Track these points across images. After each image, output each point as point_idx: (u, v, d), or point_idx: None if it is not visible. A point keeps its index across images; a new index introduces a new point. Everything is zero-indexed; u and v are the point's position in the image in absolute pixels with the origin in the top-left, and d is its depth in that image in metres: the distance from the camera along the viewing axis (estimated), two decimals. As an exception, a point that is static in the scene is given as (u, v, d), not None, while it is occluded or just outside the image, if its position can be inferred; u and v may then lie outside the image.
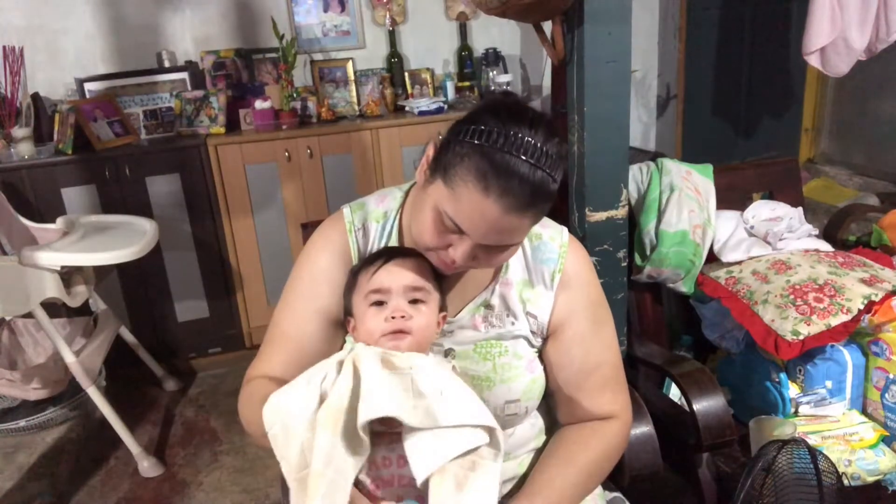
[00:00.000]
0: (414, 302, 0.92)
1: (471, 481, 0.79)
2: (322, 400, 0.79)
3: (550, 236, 1.05)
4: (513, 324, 1.02)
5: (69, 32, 2.79)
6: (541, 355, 1.06)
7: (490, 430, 0.81)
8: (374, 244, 1.03)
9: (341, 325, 1.02)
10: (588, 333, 1.04)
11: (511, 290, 1.02)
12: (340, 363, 0.82)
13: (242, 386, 1.01)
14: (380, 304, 0.92)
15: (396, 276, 0.92)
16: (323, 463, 0.76)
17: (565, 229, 1.07)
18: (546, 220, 1.07)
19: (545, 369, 1.06)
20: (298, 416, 0.79)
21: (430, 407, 0.78)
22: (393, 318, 0.90)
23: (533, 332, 1.04)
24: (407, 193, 1.06)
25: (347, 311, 0.97)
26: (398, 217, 1.04)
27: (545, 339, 1.05)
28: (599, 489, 1.13)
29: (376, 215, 1.04)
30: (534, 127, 0.85)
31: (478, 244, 0.88)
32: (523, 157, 0.82)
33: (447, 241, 0.89)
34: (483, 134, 0.84)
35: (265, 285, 2.80)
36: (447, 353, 1.01)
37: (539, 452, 1.07)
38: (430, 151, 0.92)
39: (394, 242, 1.03)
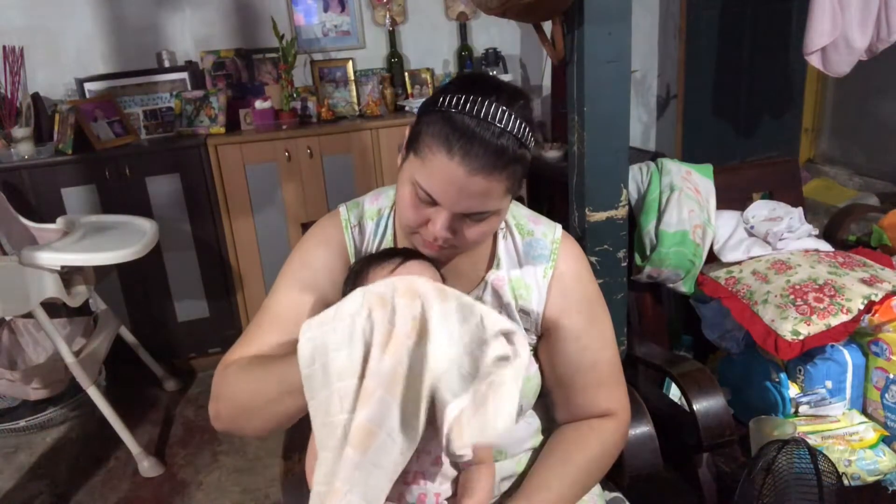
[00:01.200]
0: None
1: (491, 398, 0.74)
2: (367, 346, 0.74)
3: (543, 233, 1.05)
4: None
5: (69, 32, 2.79)
6: (536, 353, 1.06)
7: (508, 335, 0.76)
8: (370, 241, 1.04)
9: None
10: (583, 330, 1.03)
11: (503, 286, 1.02)
12: (381, 299, 0.75)
13: (219, 372, 0.96)
14: None
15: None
16: (377, 422, 0.71)
17: (559, 226, 1.07)
18: (539, 217, 1.08)
19: (540, 367, 1.06)
20: (345, 362, 0.73)
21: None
22: None
23: (526, 330, 1.04)
24: None
25: None
26: (391, 214, 1.05)
27: (539, 337, 1.05)
28: (599, 489, 1.13)
29: (371, 213, 1.05)
30: (497, 91, 0.86)
31: (454, 214, 0.88)
32: (484, 118, 0.84)
33: (425, 215, 0.90)
34: (446, 101, 0.86)
35: (265, 285, 2.80)
36: None
37: (537, 452, 1.07)
38: (408, 132, 0.93)
39: (388, 239, 1.04)
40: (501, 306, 1.02)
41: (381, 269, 0.92)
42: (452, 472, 0.90)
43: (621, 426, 1.06)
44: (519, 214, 1.07)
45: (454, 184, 0.85)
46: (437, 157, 0.85)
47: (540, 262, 1.03)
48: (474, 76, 0.92)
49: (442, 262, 0.99)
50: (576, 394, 1.04)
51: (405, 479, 0.86)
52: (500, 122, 0.84)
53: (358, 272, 0.96)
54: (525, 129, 0.87)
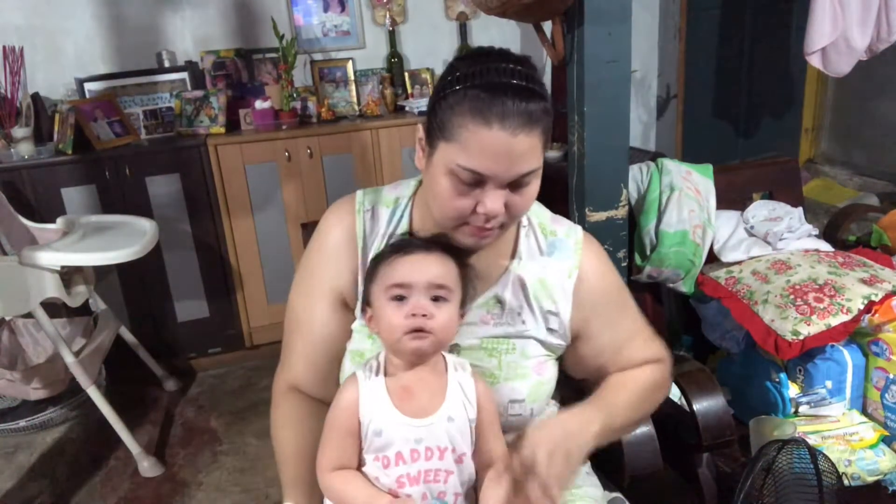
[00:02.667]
0: (436, 299, 0.89)
1: None
2: None
3: (566, 233, 1.06)
4: (524, 323, 1.02)
5: (69, 32, 2.79)
6: (565, 356, 1.08)
7: None
8: (383, 228, 1.03)
9: (347, 305, 1.03)
10: (613, 319, 1.07)
11: (526, 286, 1.02)
12: None
13: (275, 396, 1.04)
14: (400, 298, 0.88)
15: (419, 271, 0.89)
16: None
17: (579, 227, 1.08)
18: (560, 218, 1.09)
19: (577, 363, 1.08)
20: None
21: None
22: (414, 315, 0.87)
23: (551, 330, 1.03)
24: (421, 182, 1.05)
25: (366, 301, 0.95)
26: (410, 203, 1.04)
27: (573, 338, 1.06)
28: (600, 489, 1.13)
29: (387, 200, 1.05)
30: (505, 57, 0.88)
31: (504, 185, 0.88)
32: (506, 80, 0.85)
33: (473, 198, 0.88)
34: (461, 78, 0.87)
35: (265, 285, 2.80)
36: (452, 349, 1.00)
37: None
38: (421, 133, 0.94)
39: (403, 227, 1.02)
40: (521, 307, 1.02)
41: (387, 264, 0.91)
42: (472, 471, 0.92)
43: (666, 368, 1.11)
44: (541, 214, 1.07)
45: (501, 151, 0.85)
46: (476, 132, 0.84)
47: (564, 264, 1.03)
48: (477, 50, 0.93)
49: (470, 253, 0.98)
50: (618, 367, 1.08)
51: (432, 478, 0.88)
52: (523, 79, 0.86)
53: (374, 264, 0.95)
54: (541, 82, 0.89)
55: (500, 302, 1.02)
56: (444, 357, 0.94)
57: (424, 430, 0.87)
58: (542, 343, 1.03)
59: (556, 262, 1.03)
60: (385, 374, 0.91)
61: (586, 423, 0.93)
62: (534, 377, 1.02)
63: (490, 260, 1.02)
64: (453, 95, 0.86)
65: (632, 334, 1.09)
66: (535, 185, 0.92)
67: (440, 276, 0.89)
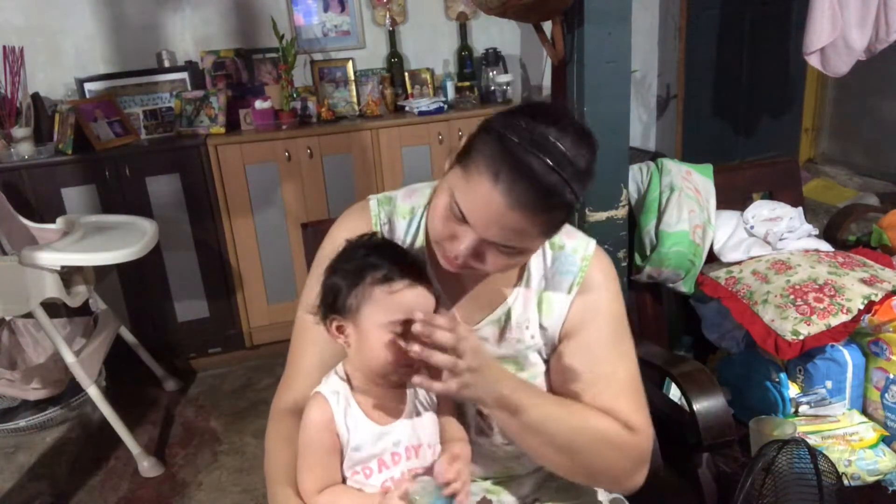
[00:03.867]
0: None
1: None
2: None
3: (574, 248, 1.01)
4: (532, 337, 1.00)
5: (69, 32, 2.79)
6: (548, 371, 1.03)
7: None
8: (401, 241, 1.01)
9: None
10: (599, 344, 0.98)
11: (531, 300, 1.00)
12: None
13: (274, 411, 1.00)
14: (401, 333, 0.85)
15: (423, 308, 0.86)
16: None
17: (593, 242, 1.03)
18: (573, 231, 1.03)
19: (551, 384, 1.02)
20: None
21: None
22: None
23: (545, 343, 1.01)
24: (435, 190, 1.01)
25: (337, 312, 0.89)
26: (425, 215, 1.01)
27: (553, 351, 1.02)
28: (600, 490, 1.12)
29: (403, 211, 1.02)
30: (564, 131, 0.82)
31: (482, 240, 0.84)
32: (542, 157, 0.79)
33: (452, 230, 0.86)
34: (510, 127, 0.82)
35: (265, 285, 2.80)
36: None
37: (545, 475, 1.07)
38: (464, 141, 0.90)
39: (420, 240, 1.01)
40: (528, 320, 1.00)
41: (387, 290, 0.86)
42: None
43: (638, 443, 0.96)
44: None
45: (490, 213, 0.81)
46: (481, 180, 0.81)
47: (566, 278, 1.00)
48: (545, 107, 0.87)
49: (464, 276, 0.96)
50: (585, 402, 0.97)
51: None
52: (559, 165, 0.80)
53: (356, 273, 0.88)
54: (580, 176, 0.82)
55: (510, 317, 1.00)
56: None
57: (399, 432, 0.89)
58: (540, 354, 1.01)
59: (559, 277, 1.00)
60: (351, 389, 0.91)
61: (504, 379, 0.89)
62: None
63: (499, 279, 1.00)
64: (494, 136, 0.82)
65: (610, 381, 0.96)
66: (514, 259, 0.88)
67: (434, 304, 0.89)
